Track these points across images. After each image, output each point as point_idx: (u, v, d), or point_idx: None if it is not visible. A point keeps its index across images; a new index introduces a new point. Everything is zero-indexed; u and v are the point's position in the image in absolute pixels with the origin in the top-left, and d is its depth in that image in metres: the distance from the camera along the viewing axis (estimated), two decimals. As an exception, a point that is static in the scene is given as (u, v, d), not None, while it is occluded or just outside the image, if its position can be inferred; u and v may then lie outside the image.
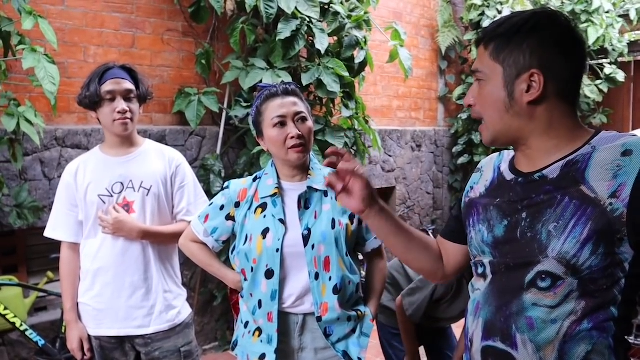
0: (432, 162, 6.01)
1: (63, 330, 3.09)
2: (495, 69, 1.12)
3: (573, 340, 1.05)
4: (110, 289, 1.99)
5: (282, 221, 1.69)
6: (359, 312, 1.76)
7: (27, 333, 2.96)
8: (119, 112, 1.94)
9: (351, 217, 1.72)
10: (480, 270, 1.22)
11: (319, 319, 1.68)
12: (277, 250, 1.65)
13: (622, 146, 1.04)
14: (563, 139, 1.11)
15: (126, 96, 1.97)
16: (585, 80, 6.52)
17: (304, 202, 1.71)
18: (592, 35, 6.17)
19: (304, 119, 1.70)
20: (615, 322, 1.06)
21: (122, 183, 2.01)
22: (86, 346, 2.02)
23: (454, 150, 6.05)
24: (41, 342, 2.99)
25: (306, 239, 1.67)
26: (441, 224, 6.15)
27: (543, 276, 1.07)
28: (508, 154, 1.27)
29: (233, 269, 1.81)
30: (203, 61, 3.67)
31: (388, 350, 2.54)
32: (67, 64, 3.31)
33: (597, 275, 1.04)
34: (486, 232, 1.19)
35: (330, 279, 1.68)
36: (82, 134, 3.35)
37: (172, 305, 2.06)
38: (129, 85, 1.98)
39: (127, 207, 2.01)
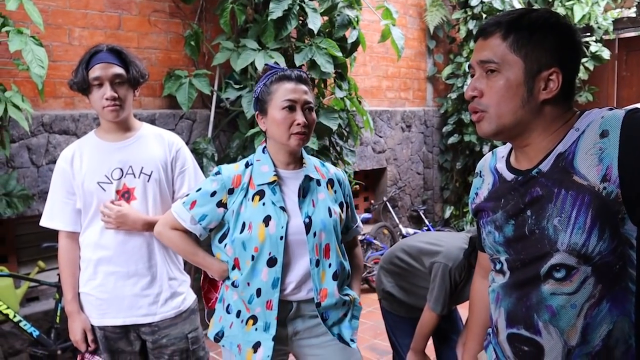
0: (422, 142, 6.00)
1: (57, 321, 3.03)
2: (516, 62, 1.11)
3: (594, 321, 1.08)
4: (114, 278, 1.93)
5: (284, 209, 1.66)
6: (350, 296, 1.79)
7: (20, 324, 2.89)
8: (106, 99, 1.85)
9: (340, 205, 1.79)
10: (498, 267, 1.23)
11: (318, 305, 1.68)
12: (281, 238, 1.63)
13: (599, 127, 1.06)
14: (558, 133, 1.13)
15: (114, 81, 1.87)
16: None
17: (303, 191, 1.70)
18: (578, 13, 6.18)
19: (310, 109, 1.70)
20: (635, 297, 1.07)
21: (121, 169, 1.94)
22: (90, 337, 1.97)
23: (443, 130, 6.04)
24: (35, 333, 2.93)
25: (308, 226, 1.66)
26: (432, 204, 6.17)
27: (557, 268, 1.09)
28: (500, 153, 1.29)
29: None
30: (192, 42, 3.58)
31: (392, 337, 2.51)
32: (51, 46, 3.20)
33: (609, 258, 1.05)
34: (496, 233, 1.21)
35: (330, 265, 1.70)
36: (70, 119, 3.26)
37: (178, 292, 2.01)
38: (117, 69, 1.87)
39: (128, 193, 1.94)
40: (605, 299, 1.07)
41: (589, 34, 6.59)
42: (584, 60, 6.44)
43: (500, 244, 1.20)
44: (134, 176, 1.95)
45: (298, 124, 1.63)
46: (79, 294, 2.00)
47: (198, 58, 3.75)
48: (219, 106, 3.83)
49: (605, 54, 6.39)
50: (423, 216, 5.76)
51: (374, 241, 4.91)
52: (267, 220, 1.64)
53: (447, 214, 6.14)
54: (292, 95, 1.64)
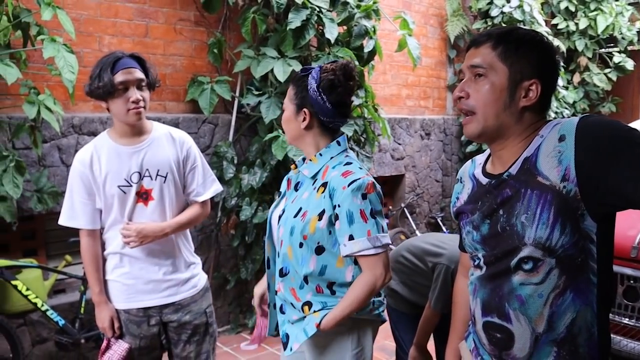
0: (441, 150, 6.07)
1: (82, 311, 3.21)
2: (502, 70, 1.23)
3: (559, 310, 1.19)
4: (139, 265, 2.09)
5: (281, 195, 1.86)
6: (305, 309, 1.70)
7: (48, 313, 3.07)
8: (133, 102, 1.96)
9: (321, 215, 1.64)
10: (476, 263, 1.35)
11: (276, 292, 1.81)
12: (267, 220, 1.84)
13: (558, 132, 1.17)
14: (528, 139, 1.24)
15: (138, 85, 1.99)
16: (594, 68, 6.52)
17: (295, 185, 1.80)
18: (601, 24, 6.18)
19: None
20: (597, 288, 1.19)
21: (139, 172, 2.06)
22: (116, 324, 2.12)
23: (462, 138, 6.10)
24: (61, 322, 3.11)
25: (280, 218, 1.77)
26: (449, 211, 6.21)
27: (525, 260, 1.20)
28: (478, 160, 1.41)
29: None
30: (215, 50, 3.74)
31: (395, 332, 2.61)
32: (82, 53, 3.39)
33: (571, 251, 1.16)
34: (474, 232, 1.32)
35: (282, 261, 1.75)
36: (98, 122, 3.44)
37: (194, 274, 2.22)
38: (140, 74, 2.00)
39: (146, 194, 2.08)
40: (568, 289, 1.18)
41: (612, 44, 6.57)
42: (607, 70, 6.43)
43: (478, 242, 1.31)
44: (151, 179, 2.08)
45: None
46: (105, 282, 2.14)
47: (221, 65, 3.91)
48: (240, 111, 3.99)
49: (629, 64, 6.37)
50: (440, 223, 5.81)
51: (391, 245, 4.98)
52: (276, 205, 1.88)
53: (465, 221, 6.16)
54: None
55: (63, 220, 2.11)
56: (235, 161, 3.78)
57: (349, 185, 1.60)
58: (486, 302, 1.30)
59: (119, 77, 1.95)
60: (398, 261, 2.51)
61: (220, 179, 3.73)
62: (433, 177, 6.01)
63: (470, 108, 1.27)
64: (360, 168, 1.68)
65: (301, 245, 1.67)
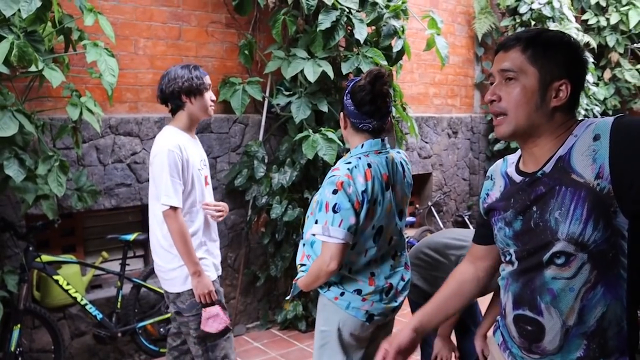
0: (469, 148, 6.05)
1: (119, 306, 3.33)
2: (532, 72, 1.27)
3: (590, 303, 1.22)
4: (212, 242, 2.55)
5: None
6: (299, 267, 2.09)
7: (87, 307, 3.19)
8: (212, 101, 2.48)
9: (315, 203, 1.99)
10: (507, 258, 1.38)
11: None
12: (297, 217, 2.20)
13: (592, 132, 1.20)
14: (560, 138, 1.28)
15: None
16: (626, 64, 6.42)
17: None
18: (633, 19, 6.09)
19: None
20: (627, 283, 1.21)
21: (202, 160, 2.53)
22: (214, 288, 2.43)
23: (490, 136, 6.07)
24: (99, 316, 3.22)
25: None
26: (477, 209, 6.19)
27: (558, 255, 1.23)
28: (510, 159, 1.45)
29: None
30: (246, 51, 3.81)
31: None
32: (119, 56, 3.49)
33: (603, 247, 1.19)
34: (507, 228, 1.35)
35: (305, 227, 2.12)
36: (134, 122, 3.55)
37: None
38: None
39: (205, 178, 2.52)
40: (599, 284, 1.21)
41: (645, 40, 6.47)
42: (639, 66, 6.33)
43: (510, 238, 1.35)
44: (206, 166, 2.57)
45: None
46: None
47: (251, 66, 3.98)
48: (270, 111, 4.05)
49: (662, 61, 6.26)
50: (468, 222, 5.81)
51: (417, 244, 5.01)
52: None
53: (493, 220, 6.14)
54: None
55: (169, 201, 2.30)
56: (266, 160, 3.85)
57: (328, 179, 1.91)
58: (518, 295, 1.33)
59: (207, 80, 2.45)
60: (418, 257, 2.56)
61: (251, 177, 3.81)
62: (460, 176, 6.00)
63: (502, 110, 1.31)
64: (349, 169, 1.88)
65: (307, 217, 2.05)
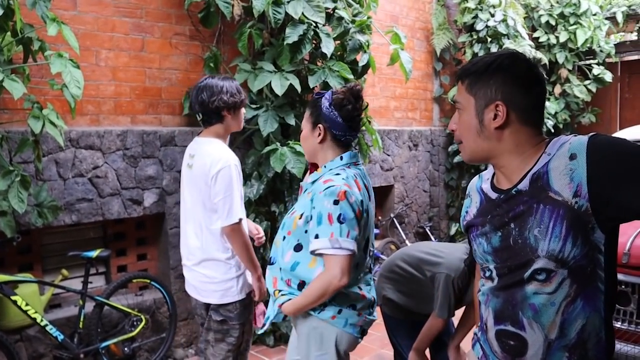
0: (429, 160, 6.17)
1: (81, 326, 3.20)
2: (470, 100, 1.35)
3: (570, 317, 1.26)
4: None
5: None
6: (276, 293, 1.96)
7: (47, 328, 3.05)
8: (244, 115, 2.62)
9: (302, 214, 1.89)
10: (487, 274, 1.41)
11: None
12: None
13: (568, 151, 1.24)
14: (528, 154, 1.31)
15: None
16: (575, 80, 6.71)
17: (304, 191, 2.04)
18: (581, 37, 6.37)
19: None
20: (604, 295, 1.27)
21: None
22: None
23: (449, 149, 6.21)
24: (60, 337, 3.09)
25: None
26: (437, 220, 6.31)
27: (539, 272, 1.26)
28: (485, 175, 1.48)
29: None
30: (211, 64, 3.78)
31: (393, 339, 2.67)
32: (80, 67, 3.40)
33: (582, 262, 1.23)
34: (485, 244, 1.38)
35: (273, 251, 2.03)
36: (95, 135, 3.45)
37: None
38: None
39: None
40: (579, 297, 1.25)
41: (591, 57, 6.77)
42: (587, 82, 6.63)
43: (489, 253, 1.38)
44: None
45: None
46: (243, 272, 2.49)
47: (216, 79, 3.94)
48: (234, 124, 4.02)
49: (608, 76, 6.57)
50: (429, 232, 5.90)
51: (381, 256, 5.06)
52: None
53: (453, 230, 6.27)
54: None
55: (240, 214, 2.37)
56: (232, 174, 3.80)
57: (324, 190, 1.82)
58: (499, 311, 1.36)
59: (243, 96, 2.54)
60: (393, 270, 2.57)
61: (217, 191, 3.76)
62: (421, 188, 6.11)
63: (458, 139, 1.41)
64: (344, 179, 1.86)
65: (284, 238, 1.94)
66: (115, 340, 3.37)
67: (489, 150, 1.34)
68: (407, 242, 5.55)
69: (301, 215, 1.88)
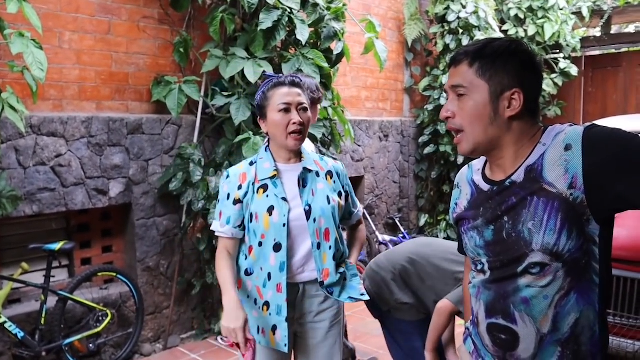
0: (399, 151, 6.16)
1: (43, 322, 3.05)
2: (481, 86, 1.25)
3: (563, 310, 1.22)
4: None
5: (285, 199, 1.87)
6: (343, 265, 2.02)
7: (5, 325, 2.90)
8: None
9: (339, 194, 1.98)
10: (479, 267, 1.36)
11: (321, 284, 1.90)
12: (284, 225, 1.84)
13: (563, 142, 1.20)
14: (526, 145, 1.27)
15: None
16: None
17: (302, 181, 1.92)
18: (548, 31, 6.45)
19: (305, 109, 1.92)
20: (599, 288, 1.23)
21: None
22: None
23: (419, 140, 6.21)
24: (20, 335, 2.94)
25: (308, 213, 1.88)
26: (407, 212, 6.32)
27: (533, 266, 1.22)
28: (476, 166, 1.42)
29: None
30: (181, 49, 3.64)
31: (404, 342, 2.57)
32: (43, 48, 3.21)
33: (576, 255, 1.20)
34: (477, 237, 1.33)
35: (330, 247, 1.91)
36: (58, 122, 3.27)
37: None
38: None
39: None
40: (573, 291, 1.22)
41: (558, 51, 6.87)
42: (553, 76, 6.72)
43: (481, 247, 1.33)
44: None
45: (294, 123, 1.85)
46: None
47: (186, 65, 3.81)
48: (204, 112, 3.89)
49: (574, 70, 6.68)
50: (399, 224, 5.90)
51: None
52: (270, 210, 1.85)
53: (422, 222, 6.29)
54: (287, 99, 1.87)
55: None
56: (203, 163, 3.68)
57: (342, 169, 2.05)
58: (490, 304, 1.32)
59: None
60: (408, 274, 2.45)
61: (187, 181, 3.64)
62: (391, 179, 6.09)
63: (458, 127, 1.30)
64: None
65: (338, 226, 1.99)
66: (79, 336, 3.23)
67: (497, 140, 1.27)
68: (377, 233, 5.53)
69: (339, 195, 1.97)
